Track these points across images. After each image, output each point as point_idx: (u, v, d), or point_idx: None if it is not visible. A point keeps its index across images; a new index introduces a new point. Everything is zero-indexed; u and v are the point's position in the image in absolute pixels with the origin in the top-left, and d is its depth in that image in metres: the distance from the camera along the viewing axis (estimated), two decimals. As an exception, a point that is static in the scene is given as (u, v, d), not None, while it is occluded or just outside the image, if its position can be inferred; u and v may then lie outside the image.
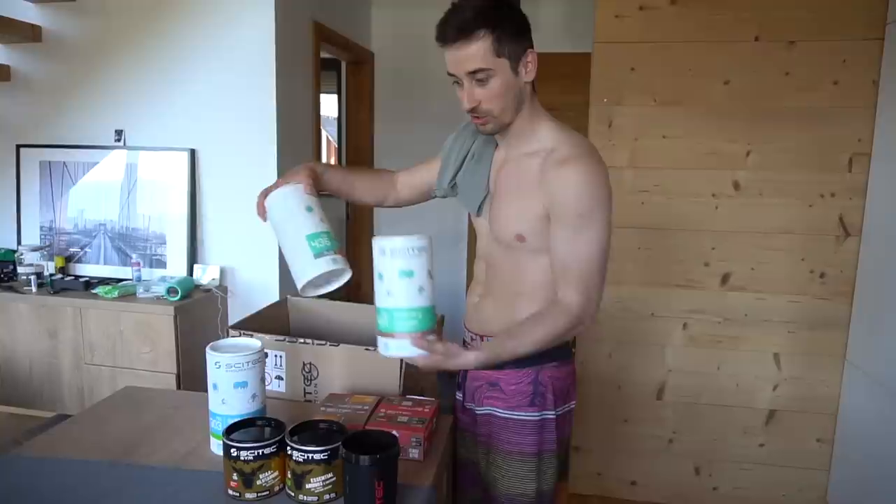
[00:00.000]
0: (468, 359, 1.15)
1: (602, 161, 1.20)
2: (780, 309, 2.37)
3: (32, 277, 2.45)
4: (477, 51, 1.14)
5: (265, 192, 1.25)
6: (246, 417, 1.15)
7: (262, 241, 2.64)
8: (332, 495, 1.04)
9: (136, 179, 2.65)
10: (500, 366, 1.25)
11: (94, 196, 2.68)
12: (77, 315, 2.38)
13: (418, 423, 1.19)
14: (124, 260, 2.65)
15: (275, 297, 2.58)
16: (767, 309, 2.38)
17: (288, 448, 1.04)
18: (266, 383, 1.27)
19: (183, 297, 2.38)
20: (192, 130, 2.63)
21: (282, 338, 1.43)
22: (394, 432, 1.10)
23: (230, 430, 1.08)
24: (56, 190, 2.71)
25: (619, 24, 2.34)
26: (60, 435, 1.28)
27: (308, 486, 1.03)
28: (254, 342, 1.23)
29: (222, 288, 2.61)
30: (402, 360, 1.41)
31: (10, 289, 2.47)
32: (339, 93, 4.72)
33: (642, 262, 2.43)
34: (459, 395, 1.43)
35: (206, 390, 1.19)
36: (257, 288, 2.64)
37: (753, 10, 2.24)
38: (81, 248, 2.69)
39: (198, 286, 2.56)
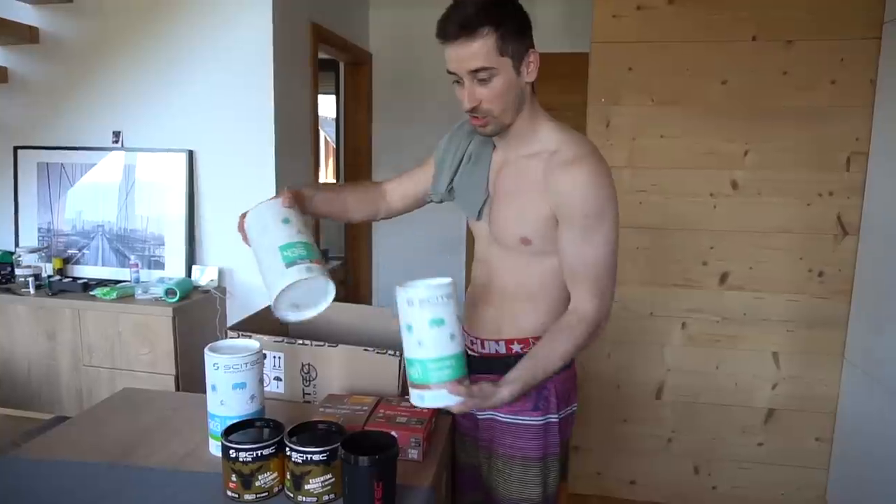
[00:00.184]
0: (503, 395, 1.13)
1: (605, 160, 1.19)
2: (778, 308, 2.37)
3: (30, 279, 2.44)
4: (479, 49, 1.11)
5: (244, 215, 1.21)
6: (245, 418, 1.15)
7: (261, 241, 2.63)
8: (331, 496, 1.04)
9: (134, 181, 2.64)
10: (501, 371, 1.24)
11: (92, 197, 2.68)
12: (75, 317, 2.38)
13: (417, 424, 1.19)
14: (122, 261, 2.64)
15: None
16: (766, 308, 2.38)
17: (287, 449, 1.04)
18: (265, 384, 1.27)
19: (181, 299, 2.37)
20: (189, 132, 2.63)
21: (280, 339, 1.43)
22: (393, 433, 1.10)
23: (229, 432, 1.08)
24: (54, 191, 2.70)
25: (617, 23, 2.34)
26: (58, 437, 1.28)
27: (307, 486, 1.03)
28: (252, 343, 1.23)
29: (221, 289, 2.60)
30: (400, 362, 1.41)
31: (8, 291, 2.47)
32: (337, 93, 4.72)
33: (641, 261, 2.43)
34: None
35: (204, 391, 1.19)
36: (256, 289, 2.64)
37: (751, 10, 2.24)
38: (79, 250, 2.69)
39: (196, 287, 2.55)
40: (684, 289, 2.43)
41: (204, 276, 2.59)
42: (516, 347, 1.27)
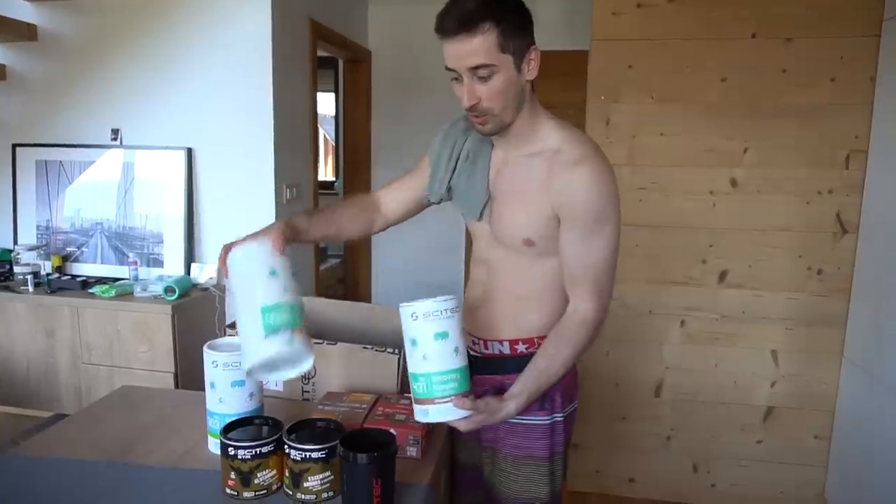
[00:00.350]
0: (510, 410, 1.13)
1: (608, 160, 1.17)
2: (777, 306, 2.37)
3: (29, 277, 2.44)
4: (480, 45, 1.07)
5: (228, 248, 1.11)
6: (243, 416, 1.15)
7: (260, 239, 2.63)
8: (330, 494, 1.04)
9: (132, 178, 2.64)
10: (505, 371, 1.23)
11: (91, 195, 2.67)
12: (74, 314, 2.38)
13: (416, 422, 1.19)
14: (121, 259, 2.64)
15: (272, 295, 2.58)
16: (765, 306, 2.38)
17: (286, 447, 1.04)
18: (263, 382, 1.27)
19: (180, 296, 2.37)
20: (188, 129, 2.62)
21: (279, 336, 1.43)
22: (391, 430, 1.10)
23: (228, 429, 1.08)
24: (52, 189, 2.70)
25: (617, 21, 2.34)
26: (57, 435, 1.28)
27: (306, 484, 1.03)
28: (251, 341, 1.22)
29: (220, 287, 2.60)
30: (399, 360, 1.41)
31: (7, 288, 2.46)
32: (336, 91, 4.72)
33: (640, 259, 2.43)
34: None
35: (203, 389, 1.19)
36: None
37: (751, 7, 2.24)
38: (78, 248, 2.69)
39: (195, 285, 2.55)
40: (683, 287, 2.43)
41: (203, 273, 2.59)
42: (521, 347, 1.25)
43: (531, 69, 1.14)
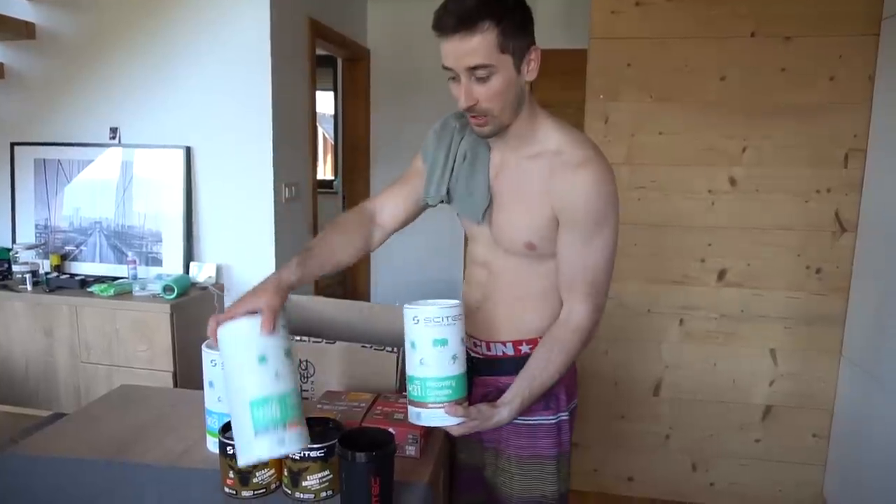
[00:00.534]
0: (502, 416, 1.13)
1: (608, 161, 1.16)
2: (776, 305, 2.38)
3: (28, 276, 2.44)
4: (479, 44, 1.03)
5: (217, 320, 1.01)
6: (242, 415, 1.15)
7: (259, 238, 2.63)
8: (329, 493, 1.04)
9: (131, 177, 2.64)
10: (508, 372, 1.22)
11: (90, 194, 2.67)
12: (73, 313, 2.38)
13: (414, 421, 1.19)
14: (120, 258, 2.64)
15: (271, 294, 2.57)
16: (764, 305, 2.38)
17: (284, 446, 1.04)
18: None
19: (179, 295, 2.37)
20: (187, 128, 2.62)
21: (278, 335, 1.43)
22: (390, 429, 1.10)
23: (226, 428, 1.07)
24: (51, 188, 2.70)
25: (616, 19, 2.34)
26: (56, 434, 1.28)
27: (304, 483, 1.03)
28: (250, 340, 1.22)
29: (219, 286, 2.60)
30: (397, 359, 1.41)
31: (6, 287, 2.46)
32: (335, 90, 4.72)
33: (638, 258, 2.43)
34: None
35: (202, 388, 1.19)
36: (254, 285, 2.63)
37: (750, 6, 2.24)
38: (77, 247, 2.68)
39: (194, 284, 2.55)
40: (682, 286, 2.43)
41: (202, 272, 2.59)
42: (525, 348, 1.24)
43: (531, 70, 1.11)
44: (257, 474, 1.04)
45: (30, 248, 2.55)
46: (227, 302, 2.62)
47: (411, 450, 1.17)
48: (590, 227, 1.13)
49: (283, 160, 2.66)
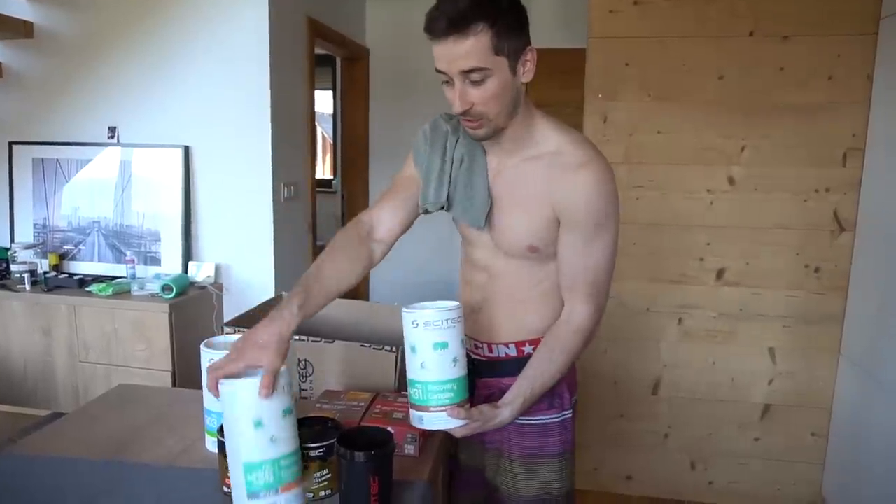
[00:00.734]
0: (504, 417, 1.13)
1: (608, 162, 1.14)
2: (774, 304, 2.38)
3: (26, 275, 2.43)
4: (473, 47, 1.00)
5: (215, 370, 0.98)
6: (241, 415, 1.14)
7: (258, 238, 2.63)
8: (328, 492, 1.04)
9: (130, 176, 2.63)
10: (511, 374, 1.21)
11: (88, 193, 2.67)
12: (71, 313, 2.37)
13: (413, 420, 1.19)
14: (118, 257, 2.64)
15: (270, 294, 2.58)
16: (762, 304, 2.39)
17: (283, 445, 1.04)
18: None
19: (178, 295, 2.37)
20: (186, 127, 2.62)
21: (277, 335, 1.43)
22: (389, 429, 1.10)
23: (225, 428, 1.07)
24: (49, 187, 2.69)
25: (614, 18, 2.34)
26: (54, 433, 1.28)
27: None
28: (248, 339, 1.22)
29: (217, 285, 2.60)
30: (396, 358, 1.41)
31: (4, 287, 2.46)
32: (334, 89, 4.71)
33: (637, 257, 2.43)
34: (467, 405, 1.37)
35: (201, 388, 1.19)
36: (252, 285, 2.64)
37: (748, 5, 2.24)
38: (75, 246, 2.68)
39: (193, 283, 2.55)
40: (681, 285, 2.43)
41: (200, 272, 2.59)
42: (528, 349, 1.24)
43: (527, 71, 1.09)
44: (256, 474, 1.04)
45: (28, 247, 2.54)
46: (226, 301, 2.62)
47: (410, 449, 1.17)
48: (591, 228, 1.13)
49: (281, 159, 2.66)
